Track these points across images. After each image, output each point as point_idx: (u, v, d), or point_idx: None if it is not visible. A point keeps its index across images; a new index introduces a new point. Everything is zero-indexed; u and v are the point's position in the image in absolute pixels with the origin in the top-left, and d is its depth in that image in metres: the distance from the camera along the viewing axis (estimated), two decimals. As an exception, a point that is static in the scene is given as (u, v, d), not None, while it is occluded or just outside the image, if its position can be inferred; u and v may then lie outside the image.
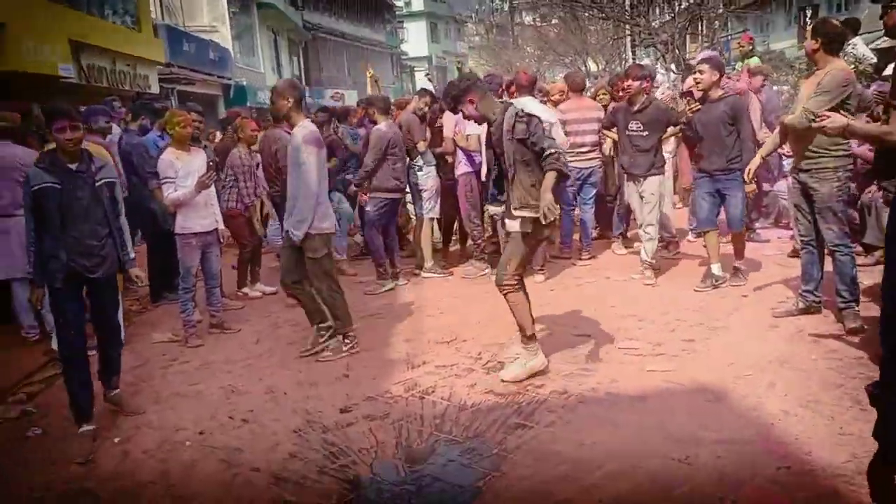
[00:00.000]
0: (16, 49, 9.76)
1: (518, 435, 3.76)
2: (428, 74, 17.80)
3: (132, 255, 4.33)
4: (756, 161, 5.49)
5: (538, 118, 4.36)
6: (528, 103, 4.57)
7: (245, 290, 7.32)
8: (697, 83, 6.07)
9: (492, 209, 5.04)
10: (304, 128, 5.07)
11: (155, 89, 15.73)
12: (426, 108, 7.55)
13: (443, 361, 5.00)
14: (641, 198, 6.60)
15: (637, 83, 6.45)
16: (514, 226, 4.52)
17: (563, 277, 7.07)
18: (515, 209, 4.47)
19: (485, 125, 4.91)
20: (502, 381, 4.51)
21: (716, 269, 6.23)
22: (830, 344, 4.67)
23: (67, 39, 11.59)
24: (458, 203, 7.57)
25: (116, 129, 7.65)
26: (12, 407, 4.62)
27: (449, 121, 7.31)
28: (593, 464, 3.40)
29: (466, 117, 4.79)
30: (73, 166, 4.00)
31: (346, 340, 5.31)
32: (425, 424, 3.98)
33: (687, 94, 6.25)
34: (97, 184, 4.06)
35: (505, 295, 4.57)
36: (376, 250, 7.20)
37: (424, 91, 7.96)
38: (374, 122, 7.24)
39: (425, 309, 6.45)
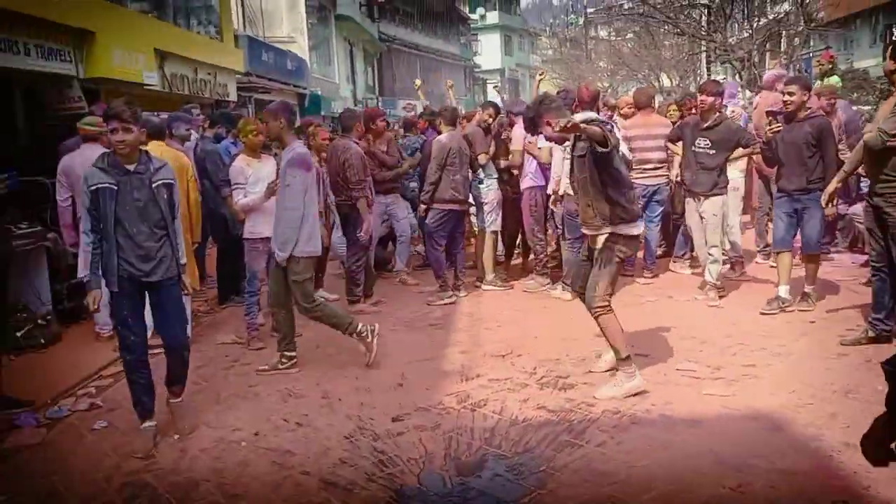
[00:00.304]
0: (105, 56, 10.22)
1: (567, 453, 3.74)
2: (496, 86, 17.75)
3: (184, 261, 4.24)
4: (834, 184, 5.34)
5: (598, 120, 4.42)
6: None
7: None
8: (788, 105, 5.96)
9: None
10: (292, 150, 5.11)
11: (233, 97, 16.22)
12: (491, 120, 7.58)
13: (497, 375, 5.00)
14: (702, 218, 6.47)
15: (711, 99, 6.34)
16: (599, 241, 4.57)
17: (623, 295, 6.95)
18: (589, 228, 4.58)
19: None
20: (595, 398, 4.45)
21: (783, 291, 6.05)
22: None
23: (153, 49, 12.09)
24: (522, 217, 7.58)
25: (194, 136, 7.95)
26: (81, 400, 4.84)
27: (518, 134, 7.32)
28: (641, 486, 3.35)
29: (548, 139, 4.83)
30: (131, 167, 3.95)
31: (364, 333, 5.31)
32: (475, 437, 3.99)
33: (770, 113, 6.14)
34: (154, 185, 4.00)
35: (596, 318, 4.56)
36: (436, 262, 7.25)
37: (489, 103, 7.98)
38: (440, 133, 7.31)
39: (484, 321, 6.47)
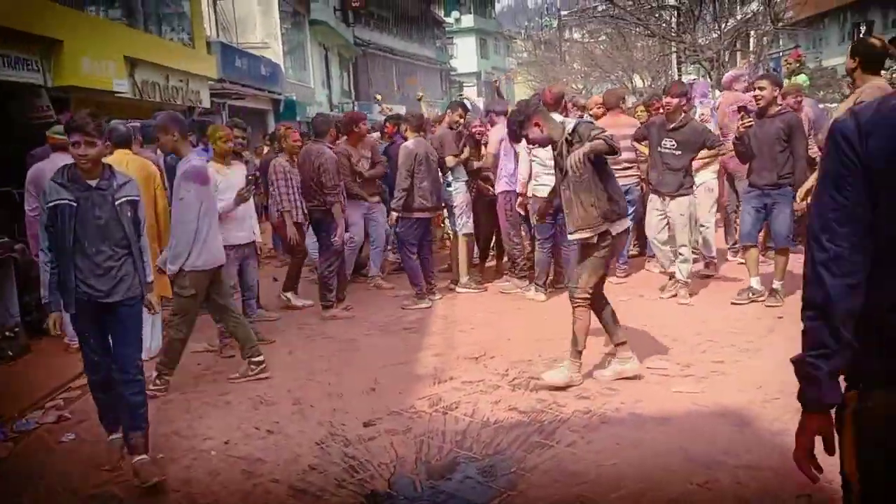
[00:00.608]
0: (73, 65, 10.13)
1: (538, 454, 3.75)
2: (464, 96, 17.82)
3: (150, 279, 3.99)
4: (810, 181, 5.44)
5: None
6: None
7: (288, 294, 7.43)
8: (758, 100, 6.06)
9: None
10: (187, 161, 4.90)
11: (206, 104, 16.11)
12: (461, 121, 7.58)
13: (470, 377, 5.01)
14: (668, 218, 6.53)
15: (676, 100, 6.38)
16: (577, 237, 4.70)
17: (597, 295, 7.02)
18: (571, 232, 4.66)
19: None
20: (538, 377, 4.70)
21: (754, 282, 6.18)
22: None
23: (123, 56, 11.99)
24: (497, 219, 7.61)
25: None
26: (49, 412, 4.78)
27: (495, 137, 7.33)
28: (611, 485, 3.37)
29: (531, 142, 4.84)
30: (93, 182, 3.68)
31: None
32: (446, 440, 3.99)
33: (742, 108, 6.24)
34: (118, 202, 3.73)
35: (573, 307, 4.68)
36: (411, 270, 7.23)
37: (457, 103, 7.96)
38: (405, 139, 7.30)
39: (458, 324, 6.48)
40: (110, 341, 3.86)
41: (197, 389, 5.13)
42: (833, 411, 1.80)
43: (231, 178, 5.90)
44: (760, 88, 6.07)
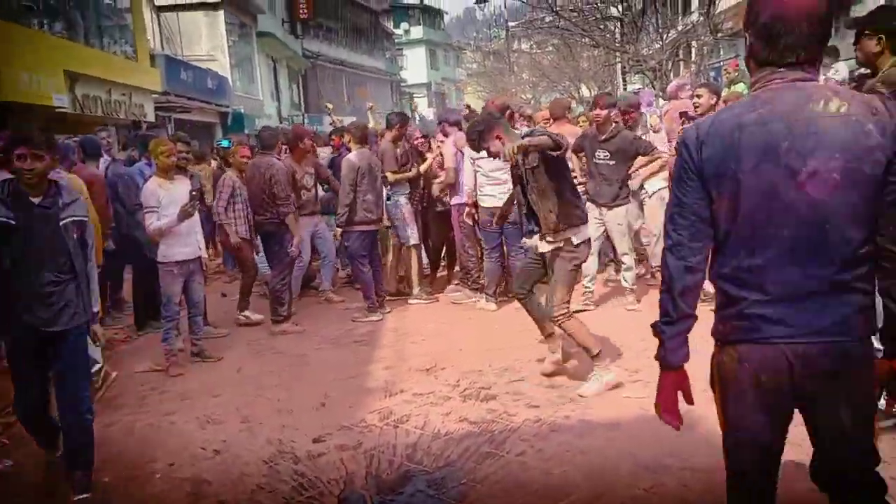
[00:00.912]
0: (11, 80, 9.89)
1: (489, 464, 3.75)
2: (415, 109, 17.80)
3: (96, 309, 3.80)
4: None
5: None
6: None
7: (246, 312, 7.33)
8: (697, 107, 6.21)
9: (528, 242, 4.98)
10: None
11: (151, 117, 15.86)
12: (401, 132, 7.57)
13: (421, 389, 5.00)
14: (606, 227, 6.62)
15: (605, 112, 6.43)
16: (545, 247, 4.71)
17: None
18: (541, 239, 4.70)
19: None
20: (580, 395, 4.61)
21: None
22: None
23: (63, 70, 11.73)
24: (449, 230, 7.65)
25: (104, 159, 7.73)
26: (-15, 438, 4.61)
27: (449, 152, 7.34)
28: (560, 493, 3.39)
29: (492, 154, 4.84)
30: (36, 200, 3.48)
31: None
32: (397, 454, 3.97)
33: (683, 114, 6.36)
34: (62, 222, 3.52)
35: (559, 325, 4.69)
36: (364, 283, 7.17)
37: (398, 115, 7.96)
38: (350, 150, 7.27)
39: (409, 336, 6.46)
40: (51, 375, 3.65)
41: (141, 410, 5.00)
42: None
43: (174, 193, 5.80)
44: (698, 96, 6.26)
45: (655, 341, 2.18)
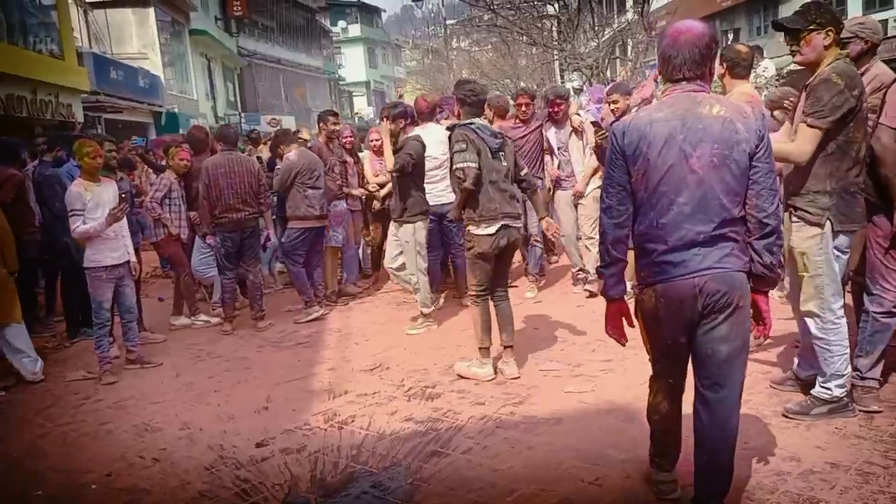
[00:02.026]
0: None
1: (434, 463, 3.74)
2: (358, 114, 17.77)
3: None
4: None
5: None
6: (430, 131, 4.91)
7: (183, 320, 7.16)
8: (615, 112, 6.38)
9: None
10: None
11: (80, 117, 15.35)
12: (335, 128, 7.55)
13: (365, 390, 4.96)
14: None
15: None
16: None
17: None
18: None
19: None
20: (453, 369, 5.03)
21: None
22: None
23: (-17, 69, 11.28)
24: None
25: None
26: None
27: (369, 161, 7.48)
28: (505, 489, 3.40)
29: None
30: None
31: None
32: (342, 456, 3.92)
33: (594, 124, 6.54)
34: None
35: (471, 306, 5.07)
36: (297, 279, 7.15)
37: (328, 112, 7.92)
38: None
39: (352, 336, 6.41)
40: None
41: (75, 420, 4.83)
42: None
43: (101, 196, 5.61)
44: (614, 102, 6.47)
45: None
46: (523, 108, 7.04)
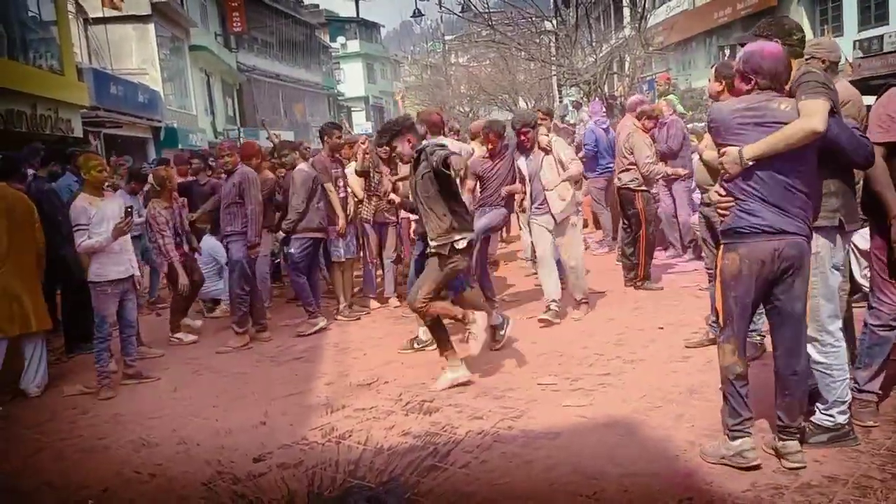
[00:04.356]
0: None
1: (432, 477, 3.73)
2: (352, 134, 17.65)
3: None
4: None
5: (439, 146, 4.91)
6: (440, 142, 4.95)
7: (179, 335, 7.14)
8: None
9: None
10: None
11: (79, 133, 15.39)
12: (339, 141, 7.58)
13: (363, 404, 4.95)
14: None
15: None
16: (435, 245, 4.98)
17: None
18: (431, 240, 4.96)
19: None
20: (433, 390, 4.97)
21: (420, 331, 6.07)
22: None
23: (-16, 85, 11.33)
24: (398, 242, 7.82)
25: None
26: None
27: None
28: (503, 504, 3.39)
29: (400, 155, 5.13)
30: None
31: None
32: (339, 470, 3.91)
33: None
34: None
35: (421, 314, 5.03)
36: (301, 290, 7.14)
37: (331, 124, 7.97)
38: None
39: (350, 351, 6.40)
40: None
41: (72, 435, 4.82)
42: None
43: (106, 210, 5.64)
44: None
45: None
46: (490, 145, 6.84)
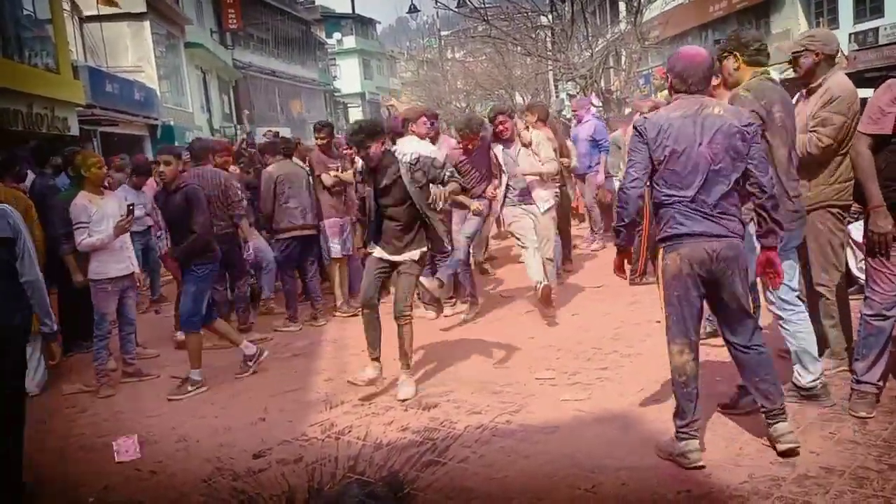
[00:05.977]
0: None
1: (431, 472, 3.75)
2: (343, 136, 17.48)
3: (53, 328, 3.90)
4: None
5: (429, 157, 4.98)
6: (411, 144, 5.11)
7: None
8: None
9: (378, 252, 5.16)
10: None
11: (75, 131, 15.34)
12: (325, 141, 7.57)
13: (361, 400, 4.96)
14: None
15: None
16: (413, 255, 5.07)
17: (484, 311, 7.12)
18: (408, 247, 5.03)
19: None
20: (400, 400, 4.85)
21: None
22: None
23: (-22, 83, 11.30)
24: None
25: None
26: None
27: None
28: (501, 498, 3.42)
29: (370, 157, 4.97)
30: None
31: None
32: (339, 466, 3.93)
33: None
34: None
35: (404, 325, 5.06)
36: (287, 293, 7.32)
37: (322, 123, 7.99)
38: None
39: (348, 347, 6.41)
40: None
41: (72, 433, 4.84)
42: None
43: (106, 208, 5.65)
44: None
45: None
46: (469, 144, 6.82)
